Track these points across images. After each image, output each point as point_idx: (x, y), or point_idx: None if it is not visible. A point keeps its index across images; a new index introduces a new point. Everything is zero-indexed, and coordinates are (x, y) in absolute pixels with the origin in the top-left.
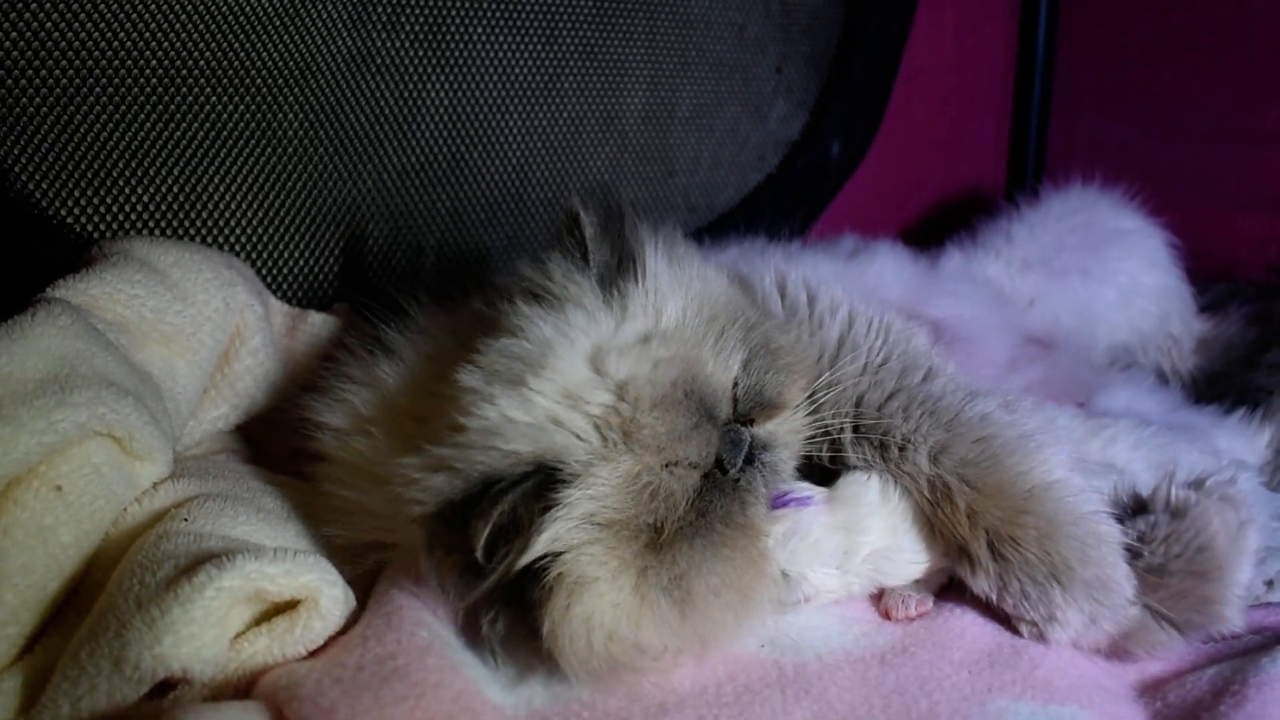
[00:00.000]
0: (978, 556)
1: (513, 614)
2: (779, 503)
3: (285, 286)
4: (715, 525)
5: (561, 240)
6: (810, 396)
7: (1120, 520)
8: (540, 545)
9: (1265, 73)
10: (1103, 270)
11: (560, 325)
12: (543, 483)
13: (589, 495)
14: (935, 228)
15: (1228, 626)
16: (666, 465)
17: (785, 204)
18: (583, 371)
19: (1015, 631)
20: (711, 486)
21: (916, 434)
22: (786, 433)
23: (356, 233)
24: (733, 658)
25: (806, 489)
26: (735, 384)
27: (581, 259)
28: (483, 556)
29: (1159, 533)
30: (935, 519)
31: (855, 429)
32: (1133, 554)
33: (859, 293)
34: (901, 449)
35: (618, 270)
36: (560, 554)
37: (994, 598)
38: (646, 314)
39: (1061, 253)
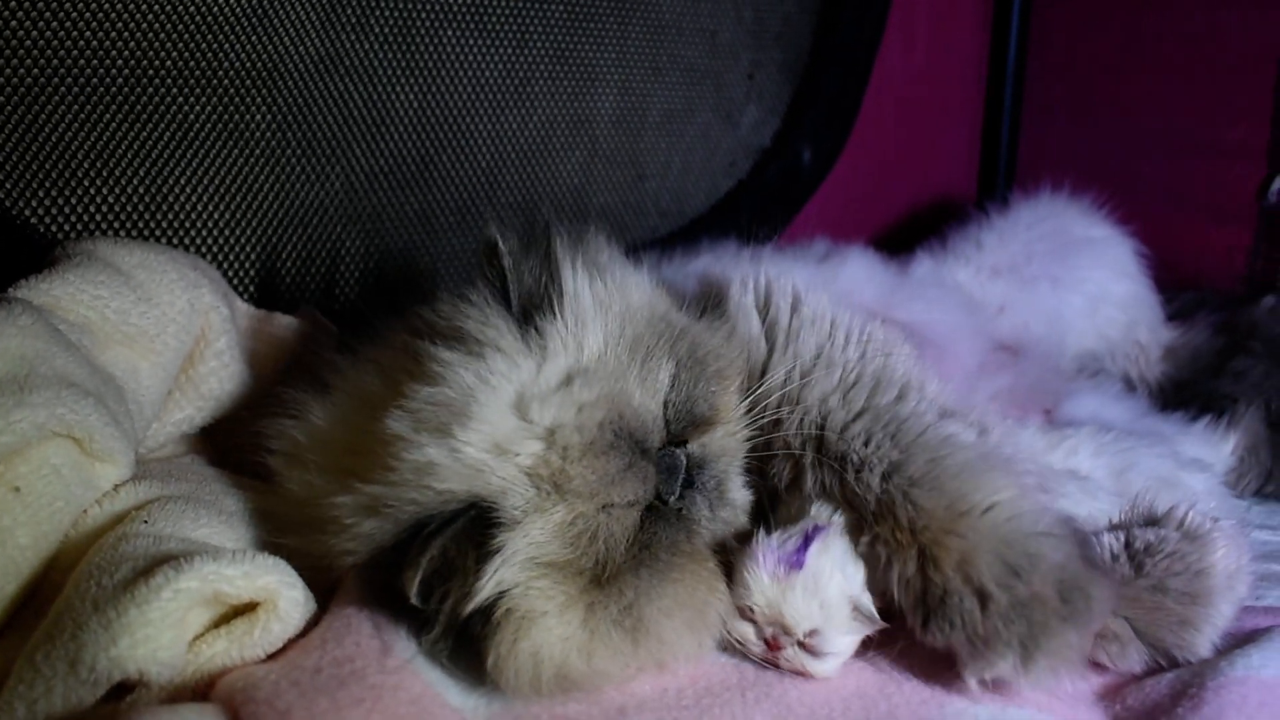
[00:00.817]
0: (904, 574)
1: (457, 642)
2: (796, 561)
3: (252, 288)
4: (660, 555)
5: (482, 270)
6: (750, 399)
7: (1126, 532)
8: (485, 591)
9: (1233, 85)
10: (1071, 278)
11: (481, 372)
12: (477, 521)
13: (528, 541)
14: (907, 235)
15: (1196, 654)
16: (603, 508)
17: (757, 210)
18: (509, 420)
19: None
20: (654, 517)
21: (874, 456)
22: (723, 441)
23: (325, 235)
24: (694, 662)
25: (801, 529)
26: (665, 405)
27: (500, 292)
28: (419, 602)
29: (1166, 548)
30: (875, 544)
31: (819, 451)
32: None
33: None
34: (858, 471)
35: (538, 301)
36: (505, 590)
37: (918, 625)
38: (567, 349)
39: (1031, 260)
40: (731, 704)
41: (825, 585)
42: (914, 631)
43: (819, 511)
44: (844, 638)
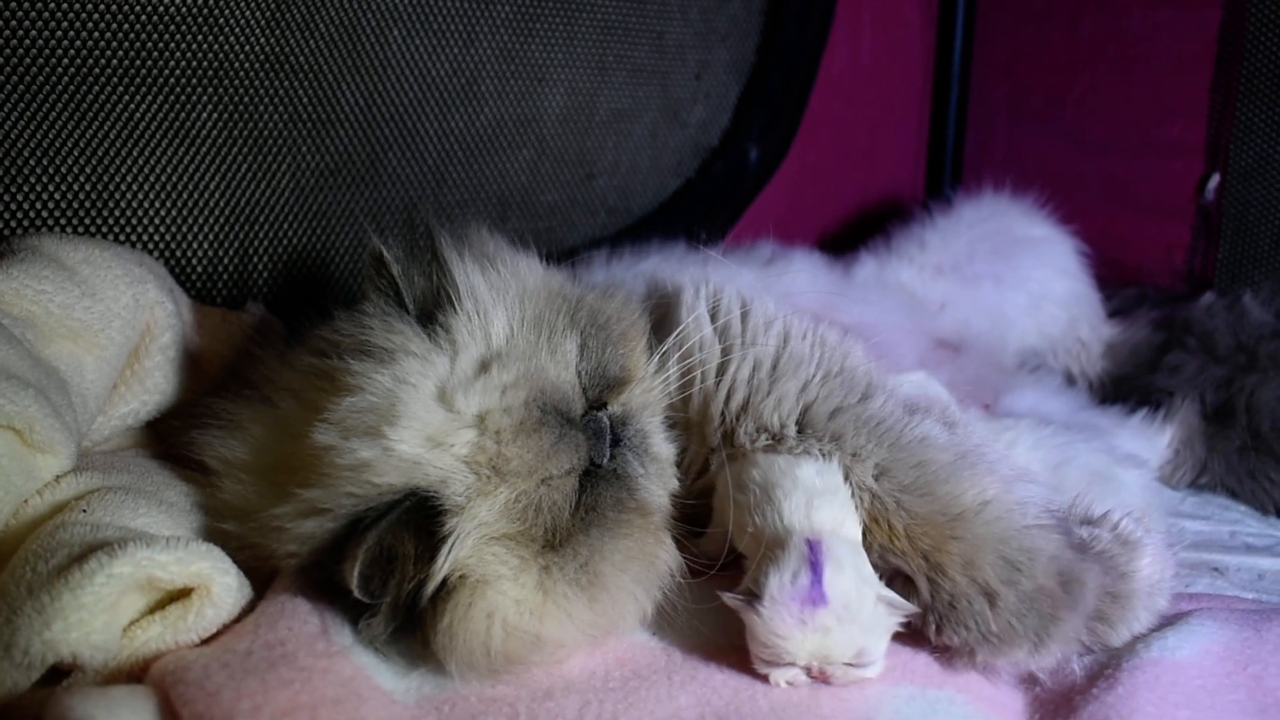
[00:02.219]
0: (917, 582)
1: (401, 616)
2: (817, 598)
3: (199, 285)
4: (608, 514)
5: (372, 281)
6: (663, 353)
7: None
8: (443, 574)
9: (1171, 86)
10: (1014, 277)
11: (398, 374)
12: (416, 510)
13: (476, 522)
14: (855, 233)
15: (1110, 646)
16: (543, 482)
17: (704, 208)
18: (437, 414)
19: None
20: (594, 480)
21: (863, 450)
22: (641, 397)
23: (273, 233)
24: (623, 645)
25: (800, 556)
26: (579, 374)
27: (395, 298)
28: (361, 594)
29: (1098, 546)
30: (872, 536)
31: (800, 429)
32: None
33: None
34: (853, 458)
35: (434, 301)
36: (461, 560)
37: (931, 631)
38: (476, 340)
39: (974, 259)
40: (657, 686)
41: (856, 605)
42: (929, 637)
43: (792, 516)
44: (886, 638)
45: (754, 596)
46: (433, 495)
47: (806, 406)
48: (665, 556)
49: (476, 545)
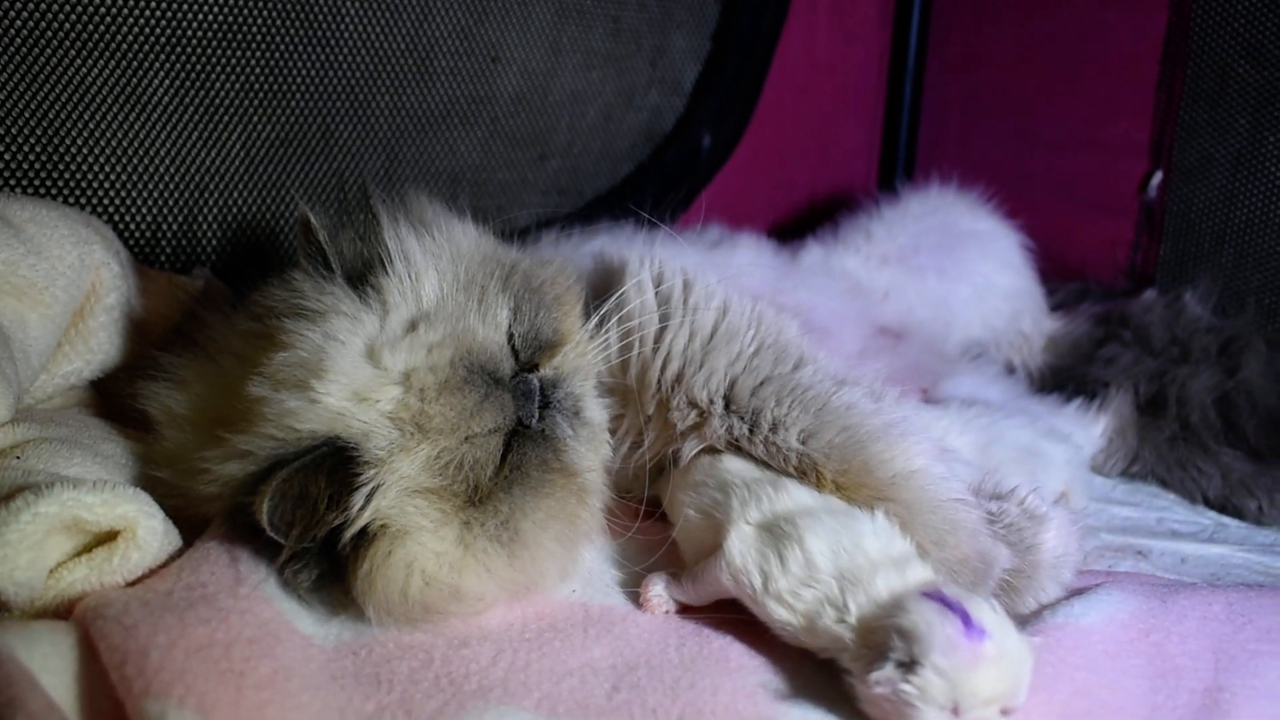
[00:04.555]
0: None
1: (324, 563)
2: (974, 633)
3: (146, 249)
4: (532, 474)
5: (303, 247)
6: (601, 319)
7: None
8: (364, 520)
9: (1117, 85)
10: (958, 270)
11: (328, 331)
12: (334, 457)
13: (398, 475)
14: (807, 223)
15: (1017, 612)
16: (466, 440)
17: (656, 192)
18: (364, 370)
19: None
20: (522, 440)
21: (788, 417)
22: (575, 361)
23: (223, 200)
24: (542, 600)
25: (925, 604)
26: (510, 336)
27: (324, 263)
28: (271, 530)
29: (1005, 519)
30: None
31: (726, 405)
32: None
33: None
34: (773, 427)
35: (366, 263)
36: (382, 510)
37: None
38: (407, 300)
39: (919, 251)
40: (572, 638)
41: (1004, 629)
42: None
43: (888, 585)
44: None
45: (904, 666)
46: (352, 446)
47: (734, 380)
48: (587, 517)
49: (398, 497)
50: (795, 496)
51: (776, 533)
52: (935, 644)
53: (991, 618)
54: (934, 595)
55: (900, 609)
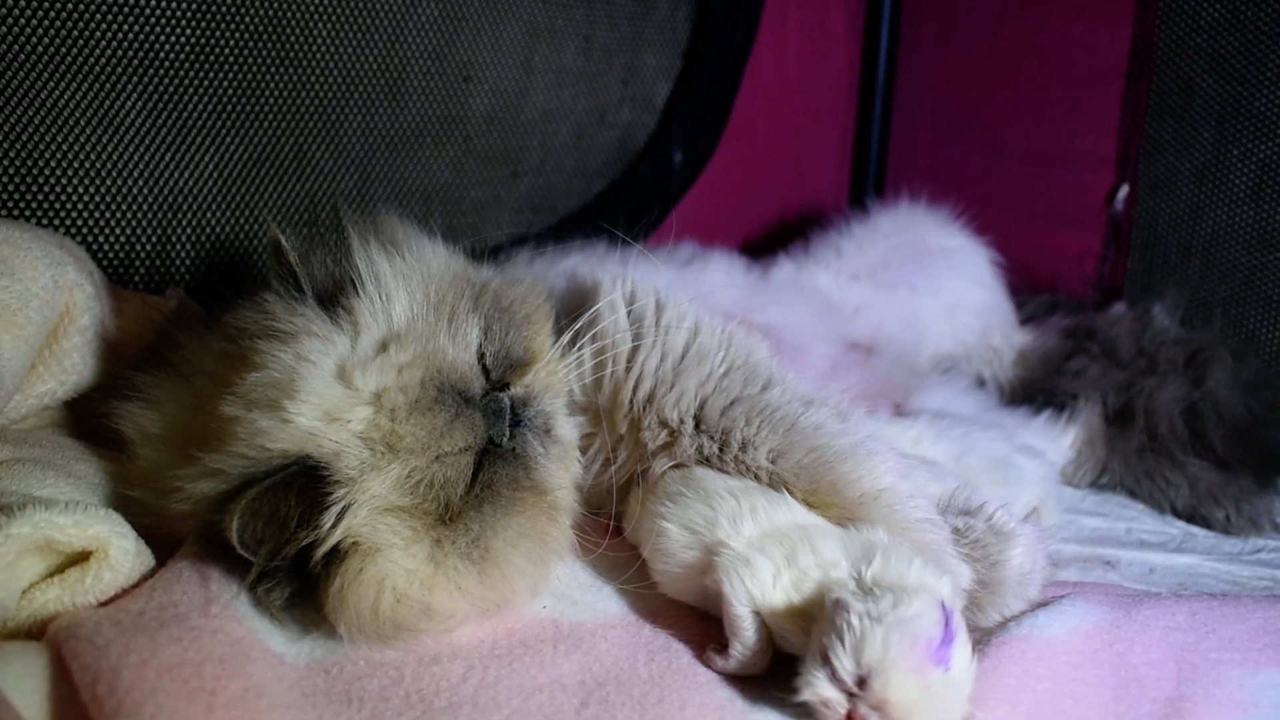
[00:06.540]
0: None
1: (295, 582)
2: (941, 656)
3: (119, 270)
4: (502, 492)
5: (274, 268)
6: (575, 336)
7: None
8: (335, 538)
9: (1083, 100)
10: (928, 286)
11: (300, 352)
12: (304, 475)
13: (369, 495)
14: (779, 239)
15: (980, 625)
16: (436, 459)
17: (628, 209)
18: (335, 390)
19: None
20: (493, 458)
21: (757, 437)
22: (545, 380)
23: (197, 221)
24: (513, 616)
25: (935, 618)
26: (481, 355)
27: (295, 286)
28: (241, 548)
29: (972, 535)
30: None
31: (697, 425)
32: None
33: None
34: (743, 447)
35: (338, 284)
36: (354, 528)
37: None
38: (377, 321)
39: (889, 268)
40: (542, 654)
41: (961, 683)
42: None
43: (924, 573)
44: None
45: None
46: (323, 465)
47: (704, 400)
48: (558, 534)
49: (369, 516)
50: (792, 509)
51: (785, 543)
52: (891, 620)
53: (963, 660)
54: (949, 611)
55: (905, 592)
